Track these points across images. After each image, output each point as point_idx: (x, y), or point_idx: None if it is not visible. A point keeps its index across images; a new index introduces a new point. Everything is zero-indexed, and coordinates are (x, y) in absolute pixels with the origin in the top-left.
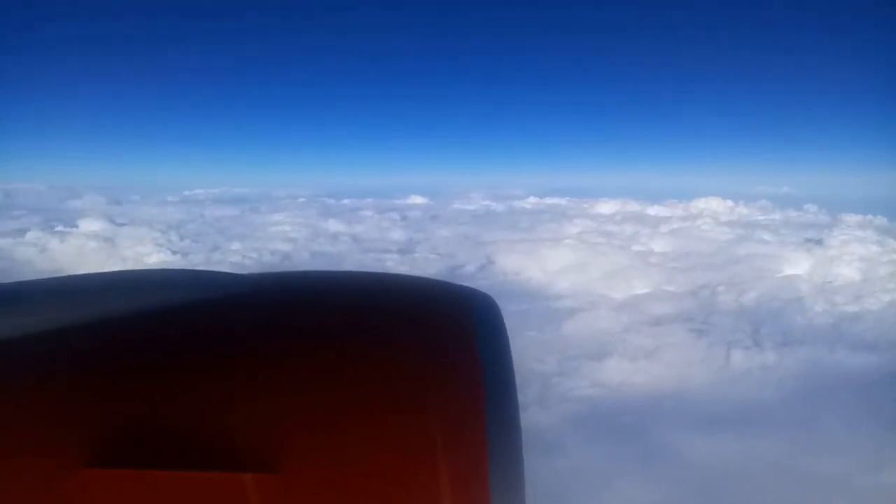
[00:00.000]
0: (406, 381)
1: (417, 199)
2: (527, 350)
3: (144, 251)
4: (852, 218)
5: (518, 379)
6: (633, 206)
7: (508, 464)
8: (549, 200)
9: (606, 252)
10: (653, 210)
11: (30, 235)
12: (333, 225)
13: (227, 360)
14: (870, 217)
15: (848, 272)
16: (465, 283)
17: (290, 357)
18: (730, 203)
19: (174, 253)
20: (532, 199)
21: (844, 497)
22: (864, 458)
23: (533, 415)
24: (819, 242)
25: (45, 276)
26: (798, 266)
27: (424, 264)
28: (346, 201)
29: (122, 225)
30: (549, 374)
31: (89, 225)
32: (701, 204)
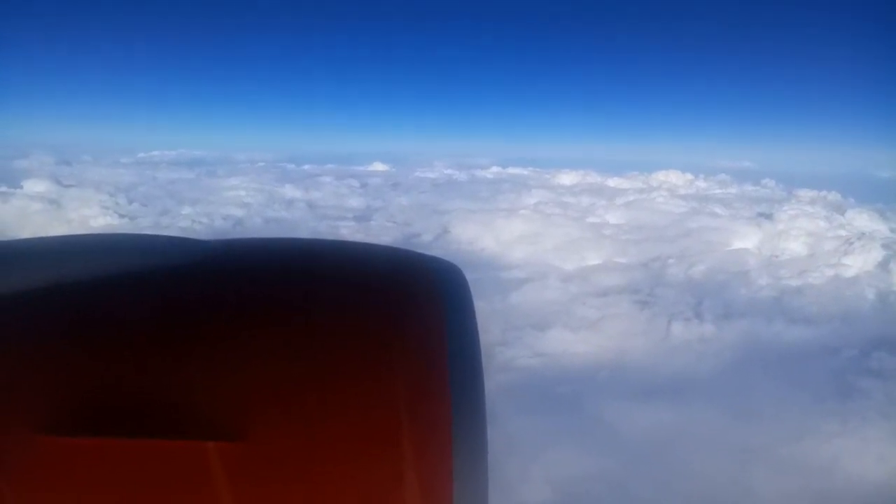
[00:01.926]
0: (371, 352)
1: (380, 167)
2: None
3: (90, 214)
4: (807, 193)
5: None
6: (594, 178)
7: (472, 438)
8: (512, 170)
9: (561, 223)
10: (613, 182)
11: None
12: (290, 191)
13: (185, 330)
14: (824, 193)
15: (795, 247)
16: (422, 252)
17: (253, 327)
18: (689, 176)
19: (121, 216)
20: (494, 169)
21: (767, 465)
22: (788, 427)
23: None
24: (769, 217)
25: None
26: (747, 240)
27: (380, 232)
28: (306, 167)
29: (69, 186)
30: (491, 343)
31: (34, 186)
32: (661, 177)
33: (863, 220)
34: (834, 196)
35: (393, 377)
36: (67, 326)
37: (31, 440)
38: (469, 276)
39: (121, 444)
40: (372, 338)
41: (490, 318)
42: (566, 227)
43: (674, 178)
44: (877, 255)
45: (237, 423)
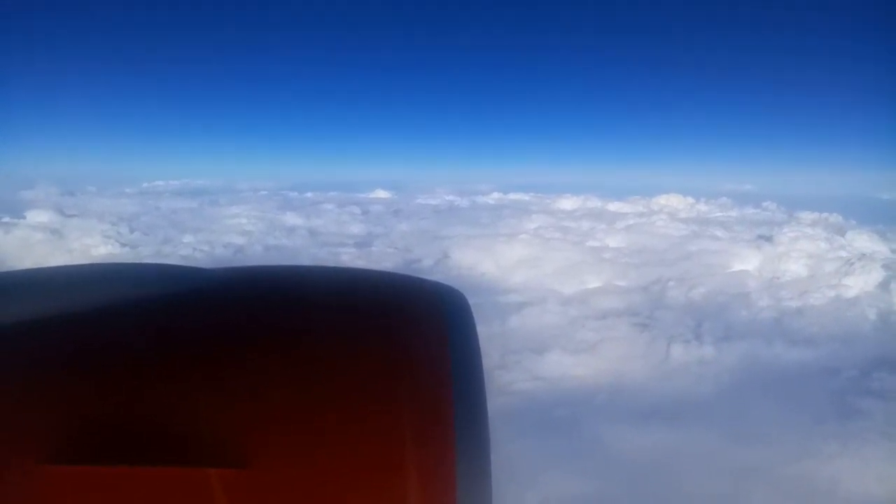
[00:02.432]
0: (375, 379)
1: (381, 194)
2: None
3: (92, 243)
4: (808, 216)
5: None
6: (594, 203)
7: (476, 465)
8: (513, 196)
9: (560, 247)
10: (614, 206)
11: None
12: (291, 218)
13: (190, 357)
14: (825, 215)
15: (795, 268)
16: (416, 276)
17: (258, 354)
18: (690, 200)
19: (123, 245)
20: (496, 195)
21: (761, 488)
22: (786, 448)
23: None
24: (769, 239)
25: None
26: (748, 262)
27: (381, 258)
28: (309, 195)
29: (72, 216)
30: (490, 367)
31: (37, 216)
32: (662, 201)
33: (863, 241)
34: (835, 218)
35: (397, 403)
36: (73, 355)
37: (36, 469)
38: (469, 301)
39: (126, 472)
40: (376, 364)
41: (489, 341)
42: (566, 252)
43: (675, 201)
44: (877, 275)
45: (243, 449)
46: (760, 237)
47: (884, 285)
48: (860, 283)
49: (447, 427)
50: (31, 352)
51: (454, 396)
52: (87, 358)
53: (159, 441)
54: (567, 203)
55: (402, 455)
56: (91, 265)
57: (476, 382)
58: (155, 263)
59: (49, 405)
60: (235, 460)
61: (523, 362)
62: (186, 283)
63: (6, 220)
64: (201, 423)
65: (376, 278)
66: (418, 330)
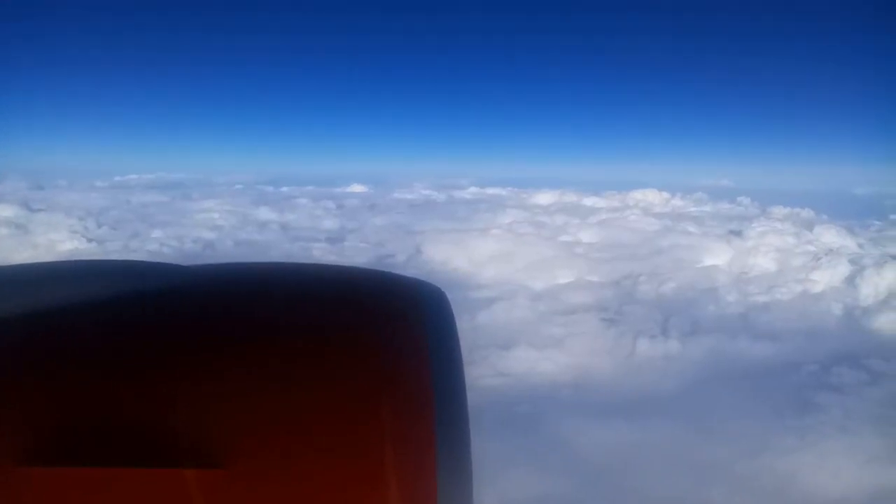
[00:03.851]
0: (354, 376)
1: (358, 188)
2: None
3: (58, 238)
4: (780, 210)
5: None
6: (571, 197)
7: (456, 462)
8: (491, 190)
9: (533, 242)
10: (590, 201)
11: None
12: (264, 213)
13: (166, 356)
14: (797, 210)
15: (764, 263)
16: (395, 273)
17: (235, 353)
18: (666, 195)
19: (89, 241)
20: (473, 189)
21: (721, 481)
22: (743, 443)
23: None
24: (739, 234)
25: None
26: (718, 257)
27: (353, 253)
28: (284, 189)
29: (38, 211)
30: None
31: (2, 211)
32: (637, 195)
33: (831, 235)
34: (807, 213)
35: (376, 401)
36: (48, 354)
37: (13, 472)
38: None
39: (103, 473)
40: (355, 362)
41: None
42: (538, 246)
43: (650, 196)
44: (844, 270)
45: (221, 449)
46: (731, 232)
47: (849, 280)
48: (826, 278)
49: (427, 427)
50: (11, 350)
51: (434, 396)
52: (67, 357)
53: (138, 442)
54: (543, 198)
55: (381, 455)
56: (71, 262)
57: (457, 381)
58: (136, 260)
59: (26, 406)
60: (213, 461)
61: (489, 358)
62: (167, 281)
63: None
64: (178, 423)
65: (356, 275)
66: (397, 328)
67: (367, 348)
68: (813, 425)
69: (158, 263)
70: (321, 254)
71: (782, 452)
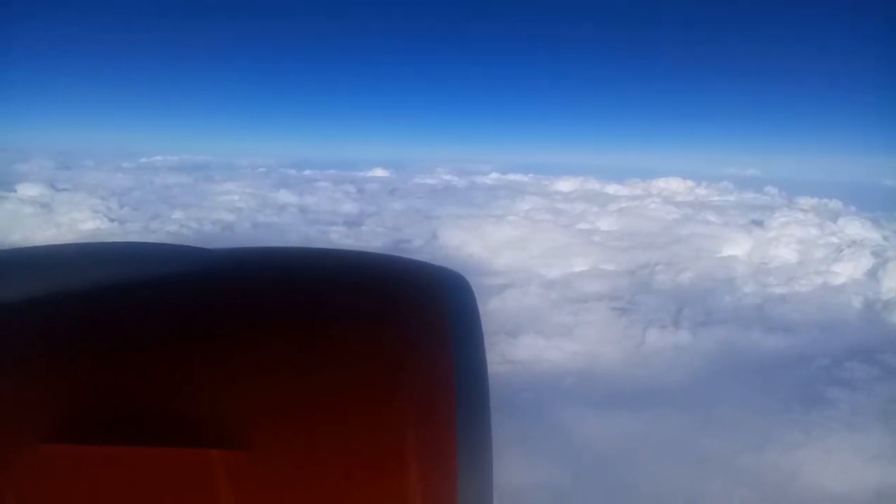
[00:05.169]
0: (376, 362)
1: (379, 172)
2: None
3: (80, 217)
4: (807, 201)
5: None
6: (593, 184)
7: (477, 450)
8: (512, 176)
9: (549, 230)
10: (612, 188)
11: None
12: (284, 196)
13: (189, 338)
14: (825, 200)
15: (785, 254)
16: (410, 257)
17: (258, 337)
18: (690, 183)
19: (111, 221)
20: (494, 175)
21: (725, 475)
22: (749, 436)
23: None
24: (761, 224)
25: None
26: (738, 247)
27: (370, 237)
28: (307, 172)
29: (63, 190)
30: None
31: (27, 190)
32: (661, 184)
33: (855, 227)
34: (835, 204)
35: (398, 388)
36: (73, 335)
37: (37, 449)
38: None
39: (126, 451)
40: (377, 348)
41: None
42: (554, 234)
43: (674, 185)
44: (866, 262)
45: (243, 431)
46: (753, 222)
47: (872, 273)
48: (848, 270)
49: (449, 414)
50: (37, 330)
51: (456, 382)
52: (90, 338)
53: (161, 422)
54: (565, 185)
55: (402, 443)
56: (95, 244)
57: (479, 369)
58: (158, 243)
59: (53, 385)
60: (235, 443)
61: (497, 345)
62: (188, 264)
63: None
64: (202, 405)
65: (378, 262)
66: (420, 315)
67: (389, 335)
68: (819, 420)
69: (183, 246)
70: (338, 237)
71: (786, 447)
